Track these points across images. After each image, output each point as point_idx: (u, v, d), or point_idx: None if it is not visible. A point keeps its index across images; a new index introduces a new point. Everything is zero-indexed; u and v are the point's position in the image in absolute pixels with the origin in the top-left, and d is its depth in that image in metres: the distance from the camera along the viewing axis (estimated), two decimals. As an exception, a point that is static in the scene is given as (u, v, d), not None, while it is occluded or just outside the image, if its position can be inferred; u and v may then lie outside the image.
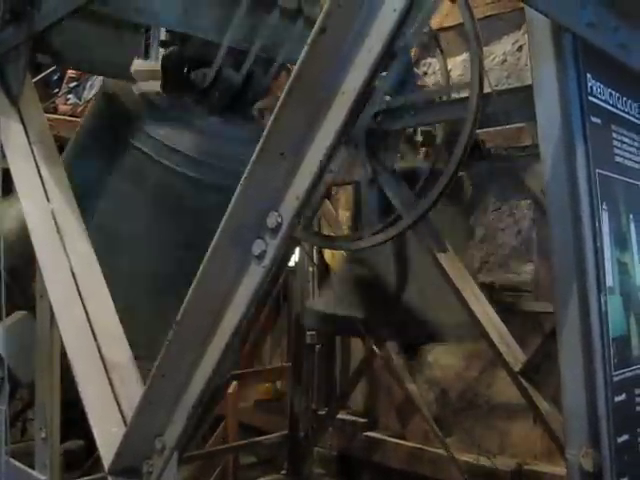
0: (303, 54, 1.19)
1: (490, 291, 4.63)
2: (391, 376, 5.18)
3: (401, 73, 3.26)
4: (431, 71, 5.52)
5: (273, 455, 5.59)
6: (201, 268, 1.39)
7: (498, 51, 5.24)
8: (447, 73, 3.92)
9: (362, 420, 5.57)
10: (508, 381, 3.62)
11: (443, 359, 5.23)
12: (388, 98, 3.21)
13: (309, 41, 1.17)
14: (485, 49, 4.87)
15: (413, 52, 5.23)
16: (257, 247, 1.30)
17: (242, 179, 1.29)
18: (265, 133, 1.25)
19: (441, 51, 3.82)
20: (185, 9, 2.52)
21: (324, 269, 5.29)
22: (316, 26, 1.16)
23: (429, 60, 5.49)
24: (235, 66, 2.70)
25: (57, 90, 7.04)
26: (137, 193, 2.66)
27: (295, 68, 1.20)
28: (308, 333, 5.09)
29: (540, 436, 4.40)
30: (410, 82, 3.40)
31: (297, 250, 5.01)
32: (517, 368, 3.28)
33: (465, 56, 4.97)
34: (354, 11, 1.15)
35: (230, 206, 1.33)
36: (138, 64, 2.69)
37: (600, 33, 1.17)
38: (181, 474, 1.70)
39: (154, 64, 2.75)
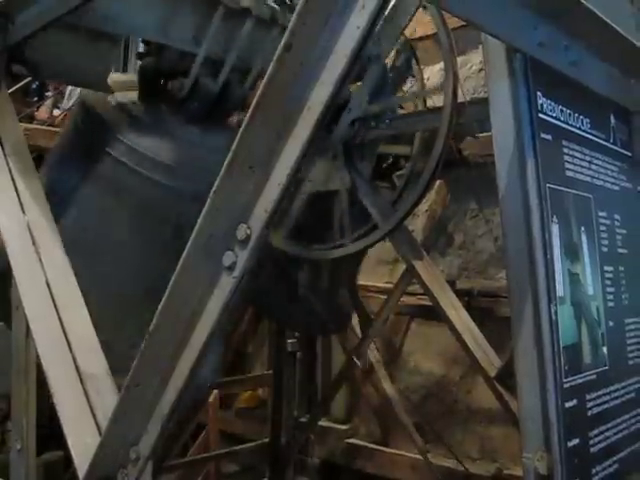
0: (270, 70, 1.22)
1: (469, 297, 4.69)
2: (371, 383, 5.21)
3: (376, 81, 3.30)
4: (408, 79, 5.58)
5: (255, 463, 5.58)
6: (173, 278, 1.42)
7: (475, 59, 5.30)
8: (422, 81, 3.98)
9: (343, 427, 5.59)
10: (487, 386, 3.66)
11: (423, 365, 5.27)
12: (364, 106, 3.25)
13: (275, 58, 1.20)
14: (462, 58, 4.94)
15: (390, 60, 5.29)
16: (227, 258, 1.33)
17: (211, 192, 1.32)
18: (233, 147, 1.28)
19: (417, 60, 3.87)
20: (161, 20, 2.54)
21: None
22: (282, 43, 1.19)
23: (407, 69, 5.53)
24: (212, 75, 2.73)
25: (36, 98, 7.02)
26: (115, 202, 2.67)
27: (262, 84, 1.23)
28: (289, 341, 5.10)
29: (520, 441, 4.44)
30: (386, 90, 3.44)
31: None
32: (493, 373, 3.33)
33: (442, 65, 5.03)
34: (318, 29, 1.18)
35: (200, 218, 1.36)
36: (115, 77, 2.71)
37: (551, 52, 1.22)
38: (160, 483, 1.72)
39: (131, 75, 2.76)
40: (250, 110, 1.26)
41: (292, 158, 1.25)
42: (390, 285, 4.54)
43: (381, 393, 5.12)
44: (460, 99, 3.18)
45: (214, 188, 1.31)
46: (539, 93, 1.21)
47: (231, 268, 1.33)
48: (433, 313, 3.76)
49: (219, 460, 5.30)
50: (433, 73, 5.41)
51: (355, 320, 4.71)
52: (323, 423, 5.53)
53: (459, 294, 3.82)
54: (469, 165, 4.61)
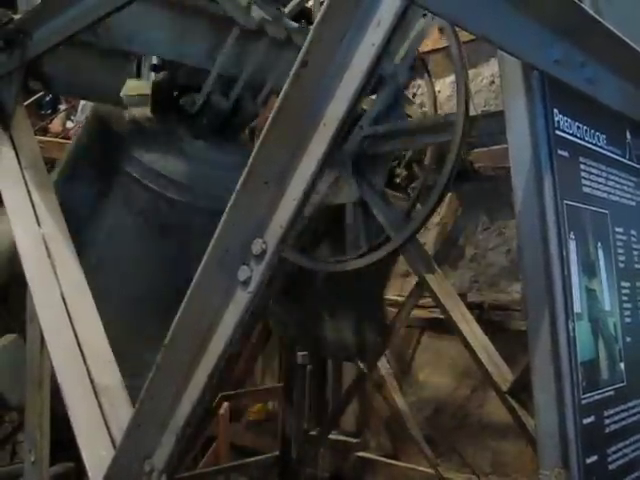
0: (286, 86, 1.23)
1: (480, 311, 4.67)
2: (382, 396, 5.19)
3: (389, 99, 3.32)
4: (420, 92, 5.60)
5: (264, 476, 5.56)
6: (189, 292, 1.42)
7: (486, 72, 5.32)
8: (434, 95, 4.00)
9: (354, 440, 5.57)
10: (499, 400, 3.64)
11: (434, 379, 5.25)
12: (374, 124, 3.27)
13: (291, 74, 1.21)
14: (473, 71, 4.95)
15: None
16: (243, 273, 1.33)
17: (228, 206, 1.33)
18: (250, 162, 1.28)
19: (428, 74, 3.89)
20: (176, 38, 2.57)
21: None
22: (298, 59, 1.20)
23: (418, 82, 5.56)
24: (224, 92, 2.75)
25: (49, 111, 7.09)
26: (126, 216, 2.69)
27: (278, 100, 1.24)
28: (299, 353, 5.10)
29: (532, 455, 4.41)
30: (398, 108, 3.46)
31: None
32: (505, 388, 3.31)
33: (453, 78, 5.05)
34: (334, 46, 1.20)
35: (216, 232, 1.36)
36: (131, 85, 2.73)
37: (567, 69, 1.22)
38: (171, 496, 1.72)
39: (146, 84, 2.79)
40: (266, 126, 1.27)
41: (307, 173, 1.25)
42: (402, 298, 4.54)
43: (392, 406, 5.10)
44: (471, 112, 3.18)
45: (230, 203, 1.32)
46: (556, 110, 1.22)
47: (246, 283, 1.33)
48: (444, 326, 3.76)
49: (229, 473, 5.30)
50: (444, 86, 5.43)
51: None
52: (333, 436, 5.51)
53: (470, 307, 3.81)
54: (480, 178, 4.61)
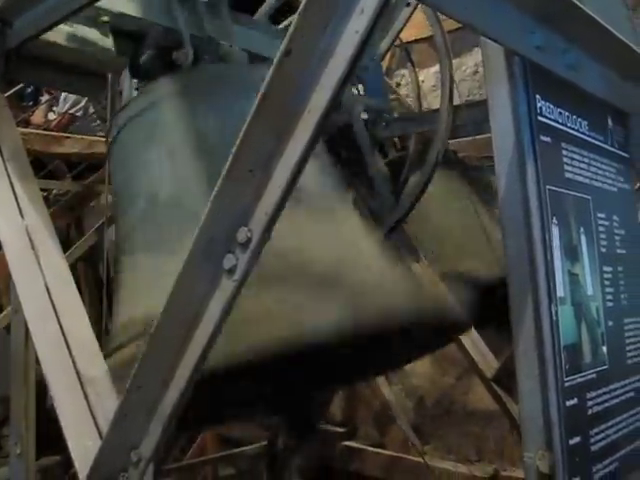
0: (269, 75, 1.23)
1: (464, 299, 4.70)
2: (369, 385, 5.22)
3: (371, 85, 3.32)
4: (404, 82, 5.61)
5: (252, 466, 5.58)
6: (175, 280, 1.43)
7: (470, 62, 5.34)
8: (418, 85, 4.00)
9: (341, 430, 5.59)
10: (484, 387, 3.68)
11: (420, 367, 5.28)
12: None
13: (275, 62, 1.21)
14: (457, 60, 4.97)
15: (387, 63, 5.32)
16: (228, 261, 1.33)
17: (212, 195, 1.33)
18: (234, 151, 1.29)
19: (412, 64, 3.89)
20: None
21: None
22: (281, 48, 1.20)
23: (402, 71, 5.57)
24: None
25: (31, 103, 7.03)
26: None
27: (262, 88, 1.24)
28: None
29: (517, 442, 4.46)
30: (381, 94, 3.46)
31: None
32: (490, 375, 3.34)
33: (437, 68, 5.06)
34: (318, 34, 1.20)
35: (201, 220, 1.37)
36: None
37: (549, 56, 1.23)
38: (159, 487, 1.73)
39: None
40: (250, 114, 1.27)
41: (292, 161, 1.26)
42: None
43: (379, 395, 5.13)
44: (455, 101, 3.19)
45: (215, 191, 1.32)
46: (538, 96, 1.23)
47: (232, 271, 1.33)
48: (430, 315, 3.77)
49: (216, 464, 5.31)
50: (428, 76, 5.44)
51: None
52: (320, 426, 5.53)
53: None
54: (465, 167, 4.62)
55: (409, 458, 5.02)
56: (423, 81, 5.24)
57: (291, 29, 1.19)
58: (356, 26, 1.17)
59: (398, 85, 5.62)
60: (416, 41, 4.99)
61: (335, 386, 3.24)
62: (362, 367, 2.62)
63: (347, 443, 5.51)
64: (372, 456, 5.32)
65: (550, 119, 1.26)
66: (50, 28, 2.20)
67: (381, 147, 3.50)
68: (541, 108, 1.23)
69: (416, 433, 5.04)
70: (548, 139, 1.24)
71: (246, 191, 1.31)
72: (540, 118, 1.22)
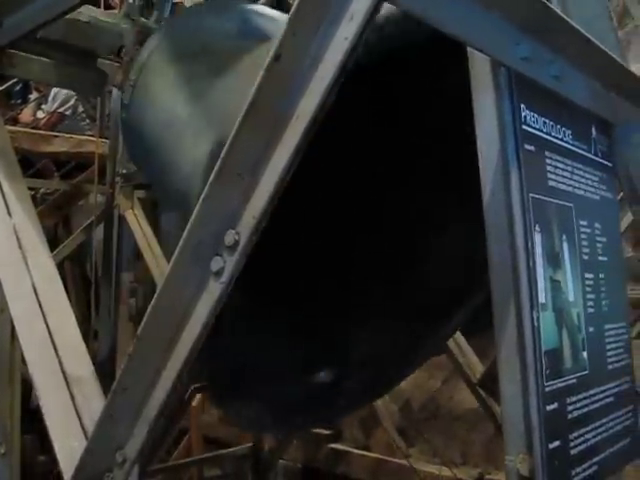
0: (259, 80, 1.24)
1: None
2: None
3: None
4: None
5: (238, 468, 5.58)
6: (162, 282, 1.43)
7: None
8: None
9: (326, 432, 5.60)
10: (469, 391, 3.70)
11: (406, 370, 5.30)
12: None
13: (264, 67, 1.22)
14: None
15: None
16: (215, 264, 1.34)
17: (201, 198, 1.33)
18: (223, 155, 1.29)
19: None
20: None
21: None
22: (271, 53, 1.21)
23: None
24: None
25: (20, 101, 6.99)
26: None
27: (251, 93, 1.25)
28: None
29: (502, 446, 4.48)
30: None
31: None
32: (475, 379, 3.36)
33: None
34: (308, 39, 1.21)
35: (189, 223, 1.37)
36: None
37: (535, 66, 1.25)
38: (143, 487, 1.73)
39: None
40: (240, 118, 1.28)
41: (280, 166, 1.27)
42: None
43: (364, 398, 5.14)
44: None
45: (203, 195, 1.33)
46: (523, 106, 1.25)
47: (219, 273, 1.34)
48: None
49: (202, 465, 5.30)
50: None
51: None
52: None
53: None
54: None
55: (394, 461, 5.04)
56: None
57: (281, 34, 1.20)
58: (345, 32, 1.18)
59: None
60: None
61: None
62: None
63: (332, 445, 5.52)
64: (358, 458, 5.33)
65: (534, 128, 1.28)
66: (40, 28, 2.21)
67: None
68: (525, 117, 1.25)
69: (401, 436, 5.06)
70: (532, 148, 1.26)
71: (234, 194, 1.31)
72: (524, 127, 1.24)
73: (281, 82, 1.24)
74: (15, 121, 6.17)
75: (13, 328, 1.97)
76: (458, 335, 3.50)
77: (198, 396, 5.07)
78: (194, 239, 1.37)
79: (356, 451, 5.39)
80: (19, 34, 2.27)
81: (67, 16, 2.32)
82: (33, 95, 6.69)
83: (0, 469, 2.07)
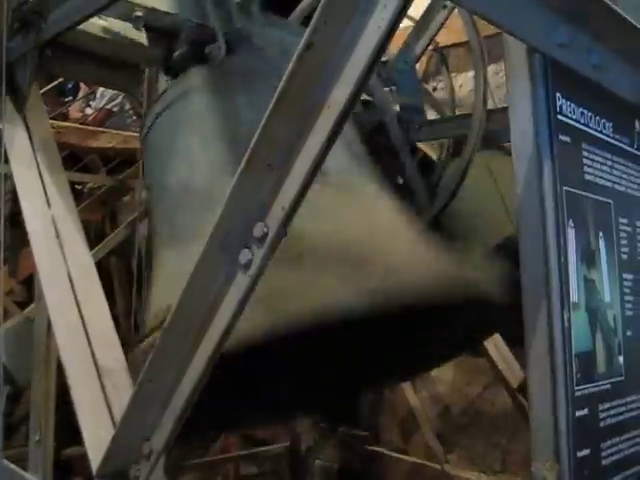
0: (290, 68, 1.21)
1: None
2: (395, 391, 5.18)
3: (405, 88, 3.30)
4: (441, 87, 5.55)
5: (274, 467, 5.58)
6: (191, 273, 1.42)
7: (508, 68, 5.26)
8: (452, 89, 3.96)
9: (364, 434, 5.56)
10: (511, 398, 3.62)
11: (446, 375, 5.22)
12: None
13: (296, 56, 1.20)
14: (495, 66, 4.90)
15: (425, 67, 5.29)
16: (244, 256, 1.32)
17: (230, 189, 1.32)
18: (252, 144, 1.27)
19: (447, 67, 3.86)
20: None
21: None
22: (303, 42, 1.19)
23: (440, 76, 5.52)
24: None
25: (71, 98, 7.13)
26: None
27: (282, 82, 1.23)
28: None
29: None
30: (415, 96, 3.44)
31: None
32: (515, 385, 3.29)
33: (474, 72, 5.00)
34: (340, 28, 1.18)
35: (219, 213, 1.36)
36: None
37: (572, 54, 1.19)
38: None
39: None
40: (270, 107, 1.26)
41: (311, 157, 1.24)
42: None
43: (403, 401, 5.09)
44: (490, 105, 3.15)
45: (232, 185, 1.32)
46: (558, 94, 1.19)
47: (247, 266, 1.32)
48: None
49: (239, 462, 5.32)
50: (466, 80, 5.38)
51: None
52: (344, 429, 5.50)
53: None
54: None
55: (431, 466, 4.96)
56: (461, 85, 5.19)
57: (313, 22, 1.18)
58: (378, 21, 1.15)
59: (435, 89, 5.57)
60: (454, 45, 4.94)
61: (365, 385, 3.20)
62: (393, 365, 2.57)
63: (370, 448, 5.47)
64: (395, 462, 5.27)
65: (571, 118, 1.22)
66: (83, 21, 2.23)
67: (411, 149, 3.47)
68: (561, 106, 1.19)
69: (440, 441, 4.98)
70: (567, 139, 1.20)
71: (264, 186, 1.29)
72: (559, 117, 1.18)
73: (313, 71, 1.21)
74: (65, 117, 6.29)
75: (49, 317, 1.99)
76: (499, 341, 3.43)
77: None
78: (222, 231, 1.35)
79: (393, 454, 5.33)
80: (62, 28, 2.29)
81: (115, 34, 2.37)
82: (82, 92, 6.81)
83: (34, 456, 2.10)
